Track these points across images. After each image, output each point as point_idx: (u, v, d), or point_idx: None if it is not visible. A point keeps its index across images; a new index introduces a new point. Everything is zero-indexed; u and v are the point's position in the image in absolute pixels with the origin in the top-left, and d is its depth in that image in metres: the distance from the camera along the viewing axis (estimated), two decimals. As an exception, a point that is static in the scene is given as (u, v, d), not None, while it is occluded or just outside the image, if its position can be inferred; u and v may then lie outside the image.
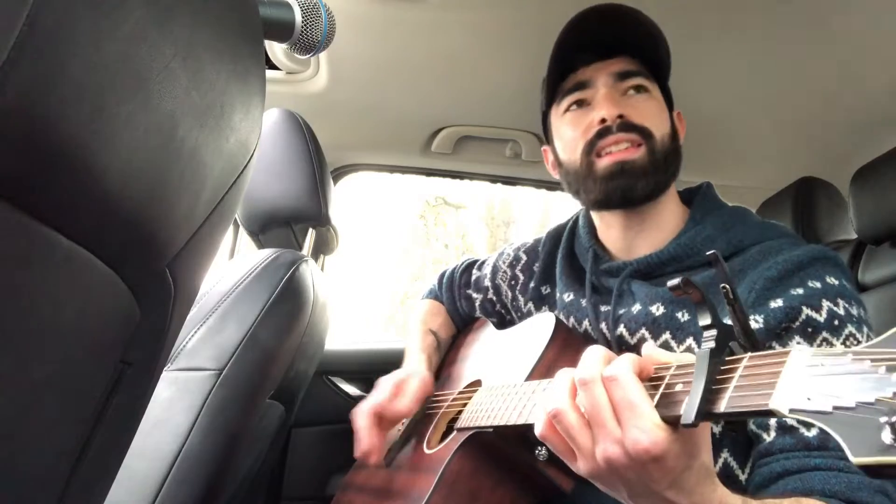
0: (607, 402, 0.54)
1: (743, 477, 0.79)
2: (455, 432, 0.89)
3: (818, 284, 0.79)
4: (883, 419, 0.36)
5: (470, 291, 1.26)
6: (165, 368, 0.95)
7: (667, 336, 0.87)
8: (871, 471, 0.37)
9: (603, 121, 0.90)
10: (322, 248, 1.39)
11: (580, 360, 0.59)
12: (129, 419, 0.52)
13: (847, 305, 0.78)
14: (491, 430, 0.81)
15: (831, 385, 0.40)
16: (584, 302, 0.99)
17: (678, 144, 0.97)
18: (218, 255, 0.56)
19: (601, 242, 1.03)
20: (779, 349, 0.47)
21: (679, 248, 0.91)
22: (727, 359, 0.51)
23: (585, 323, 0.98)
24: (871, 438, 0.36)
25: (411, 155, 1.74)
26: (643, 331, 0.89)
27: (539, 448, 0.77)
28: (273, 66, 1.38)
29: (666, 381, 0.55)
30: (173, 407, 0.94)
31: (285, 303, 1.05)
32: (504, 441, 0.83)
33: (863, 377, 0.39)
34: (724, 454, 0.81)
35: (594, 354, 0.58)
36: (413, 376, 1.05)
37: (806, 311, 0.77)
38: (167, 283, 0.47)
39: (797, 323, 0.77)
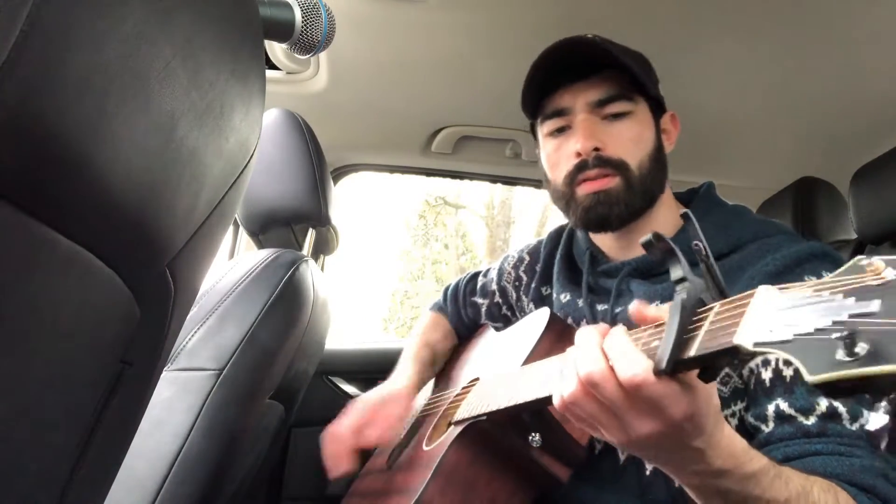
0: (626, 397, 0.54)
1: None
2: (452, 426, 0.90)
3: (814, 280, 0.79)
4: (836, 335, 0.37)
5: (476, 298, 1.27)
6: (165, 368, 0.95)
7: None
8: (828, 388, 0.38)
9: (579, 154, 0.92)
10: (322, 248, 1.39)
11: (576, 342, 0.59)
12: (129, 419, 0.52)
13: None
14: (485, 417, 0.81)
15: (793, 316, 0.42)
16: (580, 302, 1.00)
17: (662, 158, 0.97)
18: (218, 255, 0.56)
19: (600, 247, 1.04)
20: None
21: (678, 246, 0.91)
22: (699, 310, 0.52)
23: (583, 323, 0.99)
24: (826, 357, 0.38)
25: (411, 155, 1.74)
26: None
27: (532, 434, 0.78)
28: (273, 66, 1.38)
29: (643, 339, 0.55)
30: (173, 407, 0.94)
31: (285, 303, 1.05)
32: (499, 429, 0.83)
33: (822, 305, 0.40)
34: None
35: (589, 340, 0.57)
36: (390, 400, 1.04)
37: None
38: (167, 283, 0.47)
39: None
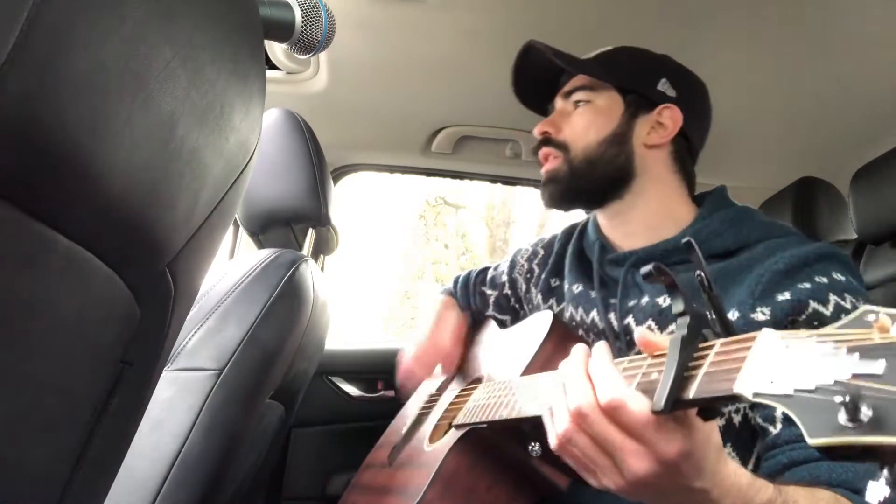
0: (615, 429, 0.54)
1: (747, 469, 0.79)
2: (453, 429, 0.90)
3: (825, 280, 0.80)
4: (838, 399, 0.36)
5: (485, 289, 1.30)
6: (165, 368, 0.95)
7: (673, 327, 0.88)
8: (826, 451, 0.37)
9: None
10: (322, 248, 1.39)
11: (565, 371, 0.59)
12: (129, 419, 0.52)
13: (854, 300, 0.79)
14: (485, 425, 0.81)
15: (794, 367, 0.41)
16: (592, 293, 1.01)
17: (623, 145, 0.99)
18: (218, 255, 0.56)
19: (608, 237, 1.06)
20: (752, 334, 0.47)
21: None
22: (700, 346, 0.51)
23: (593, 313, 1.00)
24: (827, 419, 0.37)
25: (411, 155, 1.74)
26: (650, 321, 0.91)
27: (532, 444, 0.78)
28: (273, 66, 1.38)
29: (643, 370, 0.55)
30: (173, 407, 0.94)
31: (285, 303, 1.05)
32: (499, 437, 0.83)
33: (825, 359, 0.39)
34: (727, 448, 0.81)
35: (576, 368, 0.57)
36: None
37: (813, 304, 0.78)
38: (167, 284, 0.47)
39: (804, 316, 0.78)
